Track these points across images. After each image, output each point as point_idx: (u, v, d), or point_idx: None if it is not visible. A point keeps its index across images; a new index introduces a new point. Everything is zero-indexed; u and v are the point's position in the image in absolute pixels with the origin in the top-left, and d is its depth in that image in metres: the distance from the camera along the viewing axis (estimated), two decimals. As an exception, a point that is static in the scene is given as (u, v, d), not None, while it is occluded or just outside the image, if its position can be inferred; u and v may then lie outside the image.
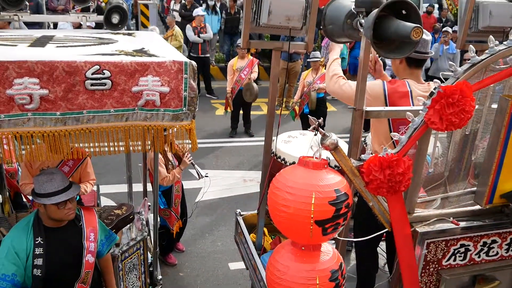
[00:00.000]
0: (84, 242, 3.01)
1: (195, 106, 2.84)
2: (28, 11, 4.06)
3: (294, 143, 3.45)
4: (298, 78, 10.31)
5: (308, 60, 8.63)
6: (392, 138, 2.29)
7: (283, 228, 2.10)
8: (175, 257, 5.34)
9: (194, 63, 2.80)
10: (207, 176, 4.97)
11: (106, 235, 3.27)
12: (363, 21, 2.31)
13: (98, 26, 4.72)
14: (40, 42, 3.16)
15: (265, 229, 3.87)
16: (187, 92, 2.77)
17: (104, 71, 2.58)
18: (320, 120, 2.00)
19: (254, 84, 8.44)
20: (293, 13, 2.93)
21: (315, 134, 2.05)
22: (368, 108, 2.52)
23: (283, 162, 3.45)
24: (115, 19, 4.08)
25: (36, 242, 2.86)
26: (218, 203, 6.58)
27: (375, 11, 2.06)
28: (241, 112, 9.13)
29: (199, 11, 11.19)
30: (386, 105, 3.10)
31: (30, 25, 5.73)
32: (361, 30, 2.33)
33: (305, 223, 1.94)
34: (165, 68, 2.70)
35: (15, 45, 2.98)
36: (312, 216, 1.93)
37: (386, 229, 2.45)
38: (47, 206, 2.80)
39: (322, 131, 2.05)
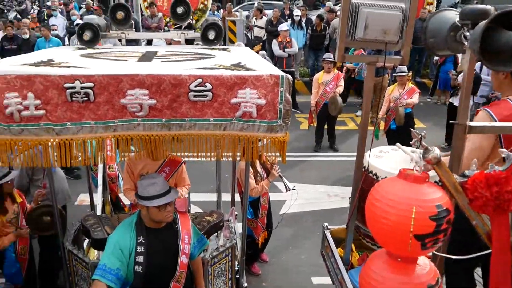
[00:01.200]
0: (179, 244, 3.19)
1: (289, 118, 2.92)
2: (133, 29, 4.41)
3: (386, 158, 3.39)
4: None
5: (394, 74, 8.46)
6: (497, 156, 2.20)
7: (381, 239, 2.09)
8: (259, 267, 5.43)
9: (290, 77, 2.88)
10: (294, 189, 5.02)
11: (198, 238, 3.43)
12: (467, 33, 2.25)
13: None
14: (147, 57, 3.42)
15: (352, 245, 3.83)
16: (283, 104, 2.86)
17: (206, 84, 2.74)
18: (423, 133, 1.98)
19: (339, 98, 8.44)
20: (389, 27, 2.91)
21: (417, 147, 2.03)
22: (472, 123, 2.43)
23: (374, 177, 3.41)
24: (211, 35, 4.29)
25: (138, 241, 3.07)
26: (302, 216, 6.59)
27: (483, 22, 2.01)
28: (325, 126, 9.11)
29: (284, 26, 11.39)
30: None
31: (128, 41, 6.20)
32: (466, 43, 2.27)
33: (404, 236, 1.92)
34: (262, 81, 2.81)
35: (126, 60, 3.25)
36: (411, 230, 1.91)
37: (488, 251, 2.33)
38: (149, 208, 3.00)
39: (425, 144, 2.02)
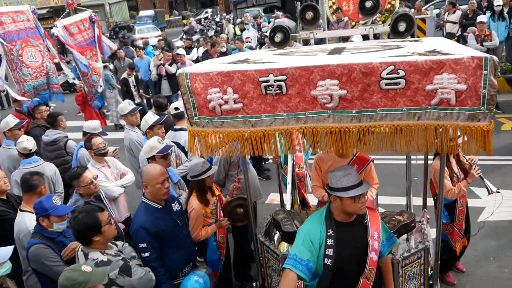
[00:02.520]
0: (369, 239, 3.08)
1: (494, 105, 2.58)
2: (322, 28, 4.47)
3: None
4: None
5: None
6: None
7: None
8: (454, 277, 4.94)
9: (495, 58, 2.54)
10: (498, 192, 4.45)
11: (387, 236, 3.27)
12: None
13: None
14: (336, 51, 3.41)
15: None
16: (486, 89, 2.53)
17: (398, 70, 2.60)
18: None
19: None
20: None
21: None
22: None
23: None
24: (402, 27, 4.07)
25: (328, 234, 3.06)
26: (506, 226, 5.81)
27: None
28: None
29: (482, 17, 10.30)
30: None
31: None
32: None
33: None
34: (462, 64, 2.54)
35: (315, 55, 3.30)
36: None
37: None
38: (343, 199, 2.96)
39: None
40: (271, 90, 2.78)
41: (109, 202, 4.78)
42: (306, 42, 4.53)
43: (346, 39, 9.35)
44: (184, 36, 21.82)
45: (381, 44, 3.84)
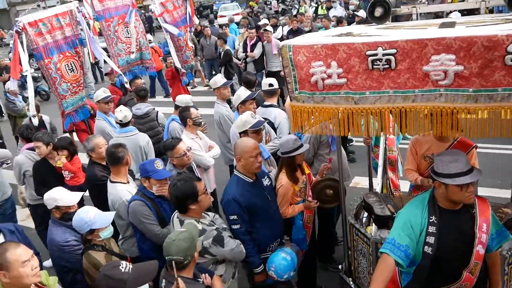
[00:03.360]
0: (476, 231, 2.85)
1: None
2: (426, 1, 4.17)
3: None
4: None
5: None
6: None
7: None
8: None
9: None
10: None
11: (497, 230, 3.00)
12: None
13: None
14: (448, 25, 3.15)
15: None
16: None
17: (527, 44, 2.33)
18: None
19: None
20: None
21: None
22: None
23: None
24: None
25: (430, 220, 2.88)
26: None
27: None
28: None
29: None
30: None
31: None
32: None
33: None
34: None
35: (425, 28, 3.06)
36: None
37: None
38: (448, 187, 2.76)
39: None
40: (378, 65, 2.63)
41: (200, 174, 4.88)
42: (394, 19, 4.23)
43: (441, 16, 8.77)
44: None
45: (496, 17, 3.51)
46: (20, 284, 2.79)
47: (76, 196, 4.08)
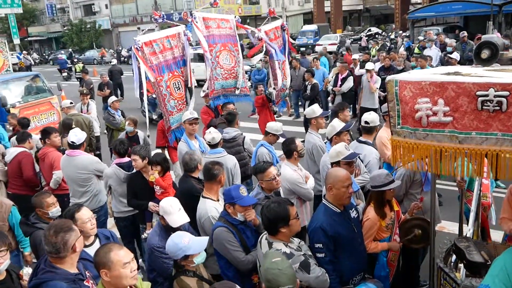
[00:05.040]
0: None
1: None
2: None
3: None
4: None
5: None
6: None
7: None
8: None
9: None
10: None
11: None
12: None
13: None
14: None
15: None
16: None
17: None
18: None
19: None
20: None
21: None
22: None
23: None
24: None
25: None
26: None
27: None
28: None
29: None
30: None
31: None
32: None
33: None
34: None
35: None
36: None
37: None
38: None
39: None
40: (488, 106, 2.62)
41: (299, 206, 4.99)
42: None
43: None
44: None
45: None
46: (118, 284, 2.96)
47: (182, 219, 4.10)
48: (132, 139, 7.70)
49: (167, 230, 4.06)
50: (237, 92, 8.34)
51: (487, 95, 2.60)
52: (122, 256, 2.96)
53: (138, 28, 46.53)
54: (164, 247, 3.77)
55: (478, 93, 2.62)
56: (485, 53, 3.86)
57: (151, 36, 6.95)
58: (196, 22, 7.46)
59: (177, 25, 7.56)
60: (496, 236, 5.13)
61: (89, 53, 45.01)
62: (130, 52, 39.96)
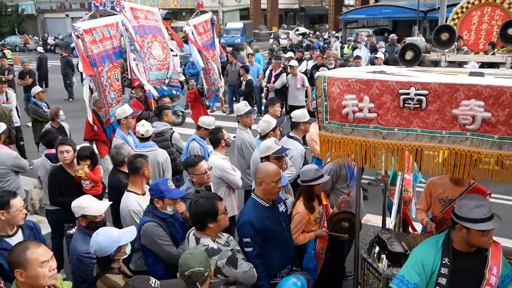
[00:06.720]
0: (486, 272, 2.90)
1: None
2: (455, 51, 4.31)
3: None
4: None
5: None
6: None
7: None
8: None
9: None
10: None
11: (508, 273, 3.05)
12: None
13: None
14: (477, 74, 3.26)
15: None
16: None
17: (553, 99, 2.44)
18: None
19: None
20: None
21: None
22: None
23: None
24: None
25: (443, 262, 2.93)
26: None
27: None
28: None
29: None
30: None
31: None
32: None
33: None
34: None
35: (456, 75, 3.18)
36: None
37: None
38: (470, 231, 2.81)
39: None
40: (409, 104, 2.75)
41: (228, 196, 4.98)
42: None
43: (460, 65, 8.91)
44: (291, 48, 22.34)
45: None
46: (35, 285, 2.79)
47: (104, 205, 4.05)
48: (59, 130, 7.33)
49: (92, 230, 3.87)
50: (166, 81, 8.24)
51: (408, 93, 2.72)
52: (39, 254, 2.79)
53: (67, 16, 44.42)
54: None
55: (401, 91, 2.74)
56: (409, 55, 4.05)
57: (91, 23, 6.69)
58: (125, 11, 7.26)
59: (115, 14, 7.32)
60: (418, 228, 5.42)
61: (10, 39, 41.95)
62: (57, 40, 38.29)
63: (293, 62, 11.26)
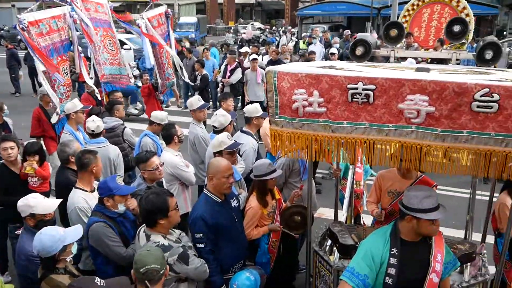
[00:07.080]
0: (431, 260, 3.00)
1: None
2: (404, 47, 4.43)
3: None
4: None
5: None
6: None
7: None
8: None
9: None
10: None
11: (450, 259, 3.18)
12: None
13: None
14: (423, 70, 3.37)
15: None
16: None
17: (493, 94, 2.55)
18: None
19: None
20: None
21: None
22: None
23: None
24: (489, 54, 3.98)
25: (392, 252, 3.00)
26: None
27: None
28: None
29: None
30: None
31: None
32: None
33: None
34: None
35: (403, 70, 3.27)
36: None
37: None
38: (420, 221, 2.89)
39: None
40: (357, 98, 2.79)
41: (181, 192, 4.92)
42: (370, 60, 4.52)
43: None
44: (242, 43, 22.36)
45: (467, 68, 3.77)
46: None
47: (54, 203, 3.91)
48: (2, 126, 7.01)
49: (39, 229, 3.70)
50: (119, 79, 8.05)
51: (356, 88, 2.77)
52: None
53: (13, 6, 42.46)
54: None
55: (349, 86, 2.78)
56: (359, 50, 4.12)
57: (36, 15, 6.39)
58: (76, 2, 7.01)
59: (62, 5, 7.03)
60: (368, 221, 5.55)
61: None
62: (2, 31, 36.49)
63: (254, 56, 11.19)
